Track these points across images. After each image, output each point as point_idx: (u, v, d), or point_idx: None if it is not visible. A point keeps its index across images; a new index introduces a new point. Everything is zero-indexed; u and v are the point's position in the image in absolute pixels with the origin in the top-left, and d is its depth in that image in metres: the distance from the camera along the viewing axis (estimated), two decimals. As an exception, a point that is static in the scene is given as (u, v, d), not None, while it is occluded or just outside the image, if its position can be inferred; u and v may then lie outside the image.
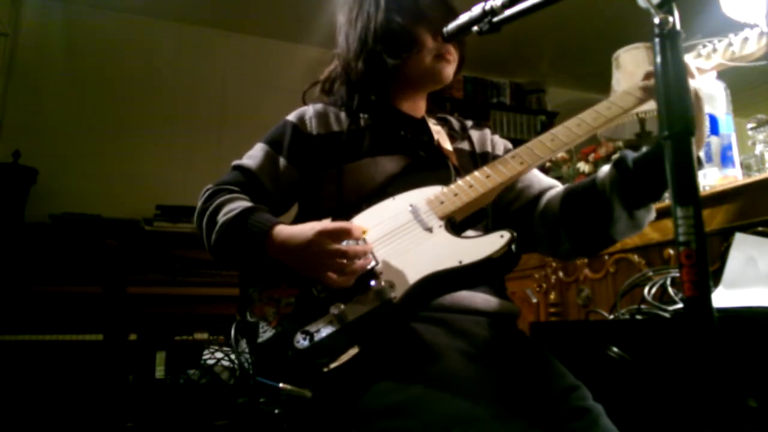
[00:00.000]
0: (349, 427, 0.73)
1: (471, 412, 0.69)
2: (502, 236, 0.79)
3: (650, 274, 1.35)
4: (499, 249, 0.78)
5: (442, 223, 0.87)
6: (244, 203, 0.92)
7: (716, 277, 1.15)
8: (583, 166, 2.16)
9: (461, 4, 0.99)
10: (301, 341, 0.76)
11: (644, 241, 1.56)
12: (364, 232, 0.86)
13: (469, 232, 0.90)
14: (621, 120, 1.78)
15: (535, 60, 4.17)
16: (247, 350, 0.85)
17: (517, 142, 1.04)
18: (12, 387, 2.23)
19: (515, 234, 0.79)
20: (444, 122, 1.16)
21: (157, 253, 2.69)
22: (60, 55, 3.27)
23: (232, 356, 1.66)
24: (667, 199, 0.98)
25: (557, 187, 1.05)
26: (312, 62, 1.20)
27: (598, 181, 0.90)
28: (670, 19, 0.53)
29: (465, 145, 1.12)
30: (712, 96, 1.49)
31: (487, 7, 0.84)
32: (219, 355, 1.78)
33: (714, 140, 1.49)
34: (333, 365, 0.73)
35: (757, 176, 1.40)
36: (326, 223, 0.83)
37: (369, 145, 1.02)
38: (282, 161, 1.02)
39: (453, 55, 1.06)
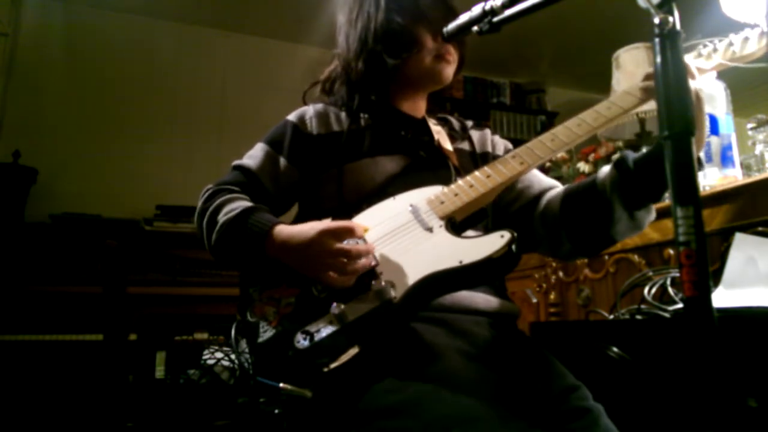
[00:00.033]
0: (349, 427, 0.73)
1: (471, 412, 0.69)
2: (502, 236, 0.79)
3: (650, 274, 1.35)
4: (499, 249, 0.78)
5: (442, 222, 0.87)
6: (244, 203, 0.92)
7: (716, 277, 1.15)
8: (583, 166, 2.16)
9: (461, 4, 1.00)
10: (302, 341, 0.76)
11: (644, 241, 1.56)
12: (365, 230, 0.86)
13: (470, 232, 0.90)
14: (621, 120, 1.78)
15: (535, 60, 4.17)
16: (247, 350, 0.85)
17: (517, 142, 1.04)
18: (12, 387, 2.23)
19: (515, 234, 0.79)
20: (444, 122, 1.16)
21: (157, 253, 2.69)
22: (60, 55, 3.27)
23: (232, 356, 1.66)
24: (667, 199, 0.98)
25: (557, 188, 1.05)
26: (312, 62, 1.20)
27: (598, 181, 0.90)
28: (670, 19, 0.53)
29: (465, 146, 1.12)
30: (712, 96, 1.49)
31: (487, 7, 0.84)
32: (219, 355, 1.78)
33: (714, 140, 1.49)
34: (333, 365, 0.73)
35: (757, 176, 1.40)
36: (328, 223, 0.83)
37: (369, 145, 1.02)
38: (282, 161, 1.02)
39: (453, 55, 1.06)
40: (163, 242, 2.83)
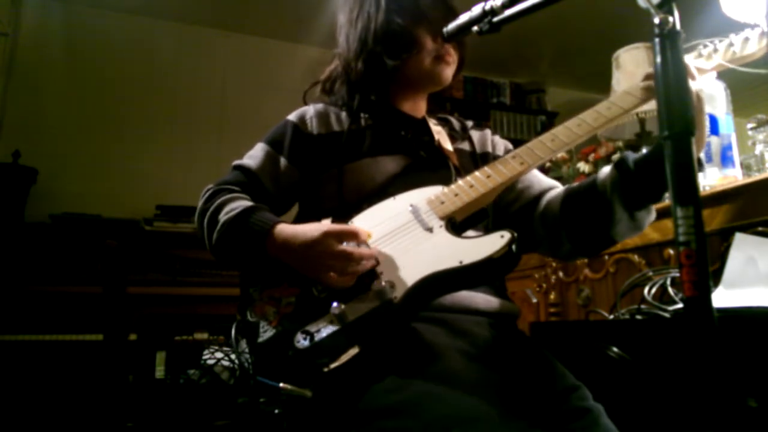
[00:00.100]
0: (349, 427, 0.73)
1: (471, 412, 0.69)
2: (502, 236, 0.79)
3: (650, 274, 1.35)
4: (499, 249, 0.78)
5: (442, 223, 0.87)
6: (245, 202, 0.92)
7: (716, 277, 1.15)
8: (583, 166, 2.16)
9: (461, 4, 0.99)
10: (302, 341, 0.76)
11: (644, 241, 1.56)
12: (368, 236, 0.86)
13: (470, 233, 0.90)
14: (621, 120, 1.78)
15: (535, 60, 4.17)
16: (247, 350, 0.85)
17: (517, 142, 1.04)
18: (12, 387, 2.23)
19: (516, 234, 0.79)
20: (445, 122, 1.16)
21: (157, 253, 2.69)
22: (60, 55, 3.27)
23: (232, 356, 1.66)
24: (667, 199, 0.98)
25: (557, 188, 1.05)
26: (312, 62, 1.20)
27: (598, 182, 0.90)
28: (670, 19, 0.53)
29: (465, 146, 1.12)
30: (712, 96, 1.49)
31: (487, 7, 0.84)
32: (219, 355, 1.77)
33: (714, 140, 1.49)
34: (333, 365, 0.73)
35: (757, 176, 1.40)
36: (332, 225, 0.84)
37: (369, 145, 1.02)
38: (283, 161, 1.02)
39: (453, 56, 1.07)
40: (163, 242, 2.83)
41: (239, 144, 1.18)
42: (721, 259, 1.22)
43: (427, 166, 1.02)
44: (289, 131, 1.04)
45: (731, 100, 1.52)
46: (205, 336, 2.45)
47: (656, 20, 0.53)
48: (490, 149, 1.14)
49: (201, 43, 3.62)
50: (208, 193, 0.98)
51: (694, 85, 0.86)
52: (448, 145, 1.08)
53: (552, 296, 1.95)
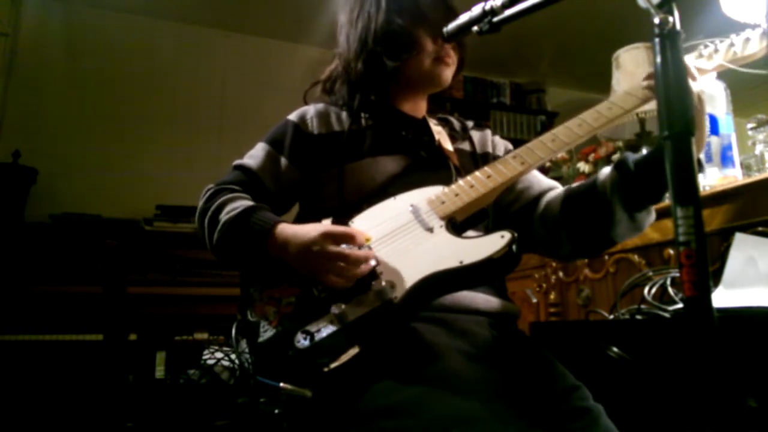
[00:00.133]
0: (349, 427, 0.73)
1: (471, 412, 0.69)
2: (502, 236, 0.79)
3: (650, 274, 1.35)
4: (499, 249, 0.78)
5: (443, 223, 0.87)
6: (246, 202, 0.92)
7: (716, 277, 1.15)
8: (583, 166, 2.16)
9: (461, 4, 0.99)
10: (302, 341, 0.76)
11: (644, 241, 1.56)
12: (367, 240, 0.86)
13: (470, 233, 0.90)
14: (621, 120, 1.78)
15: (535, 60, 4.17)
16: (247, 350, 0.85)
17: (517, 142, 1.04)
18: (12, 387, 2.23)
19: (516, 234, 0.79)
20: (445, 123, 1.16)
21: (157, 253, 2.69)
22: (60, 55, 3.27)
23: (232, 356, 1.67)
24: (667, 199, 0.98)
25: (557, 189, 1.05)
26: (312, 62, 1.20)
27: (598, 183, 0.90)
28: (670, 19, 0.53)
29: (466, 146, 1.12)
30: (712, 96, 1.49)
31: (487, 7, 0.84)
32: (219, 355, 1.77)
33: (714, 140, 1.49)
34: (333, 365, 0.73)
35: (757, 176, 1.40)
36: (331, 226, 0.84)
37: (370, 145, 1.02)
38: (283, 161, 1.02)
39: (452, 58, 1.07)
40: (163, 242, 2.83)
41: (239, 144, 1.18)
42: (721, 259, 1.22)
43: (428, 166, 1.02)
44: (289, 131, 1.04)
45: (731, 100, 1.52)
46: (205, 336, 2.45)
47: (656, 20, 0.53)
48: (490, 149, 1.14)
49: (201, 43, 3.62)
50: (208, 193, 0.98)
51: (695, 85, 0.86)
52: (448, 146, 1.08)
53: (552, 296, 1.95)
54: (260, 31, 3.71)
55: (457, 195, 0.90)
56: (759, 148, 1.59)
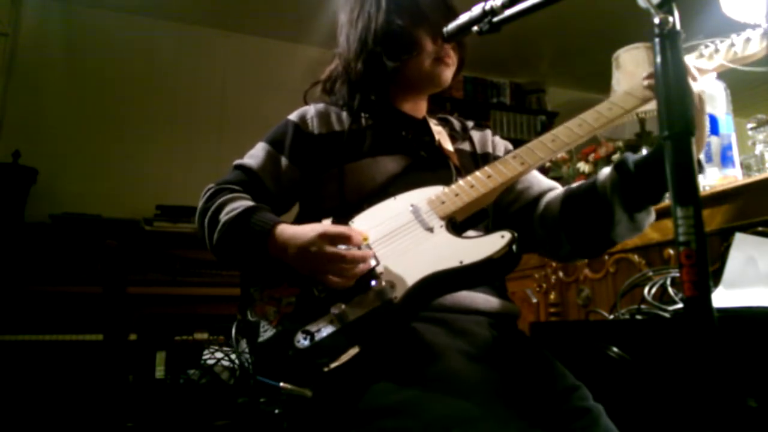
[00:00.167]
0: (349, 427, 0.73)
1: (471, 412, 0.69)
2: (503, 236, 0.79)
3: (650, 274, 1.35)
4: (499, 249, 0.78)
5: (443, 223, 0.87)
6: (246, 202, 0.92)
7: (716, 277, 1.15)
8: (583, 166, 2.16)
9: (461, 4, 0.99)
10: (302, 341, 0.76)
11: (644, 241, 1.56)
12: (365, 239, 0.86)
13: (470, 233, 0.90)
14: (621, 120, 1.78)
15: (535, 60, 4.17)
16: (247, 350, 0.85)
17: (517, 142, 1.04)
18: (12, 387, 2.23)
19: (516, 234, 0.79)
20: (445, 123, 1.16)
21: (157, 253, 2.69)
22: (60, 55, 3.27)
23: (232, 356, 1.67)
24: (667, 199, 0.98)
25: (557, 189, 1.05)
26: (312, 62, 1.20)
27: (598, 183, 0.90)
28: (670, 19, 0.53)
29: (466, 146, 1.12)
30: (712, 96, 1.49)
31: (487, 7, 0.84)
32: (219, 355, 1.78)
33: (714, 140, 1.49)
34: (333, 365, 0.73)
35: (757, 176, 1.41)
36: (329, 226, 0.84)
37: (370, 144, 1.02)
38: (284, 161, 1.02)
39: (452, 58, 1.06)
40: (163, 242, 2.82)
41: (239, 144, 1.18)
42: (721, 259, 1.22)
43: (428, 166, 1.02)
44: (290, 131, 1.04)
45: (731, 100, 1.52)
46: (205, 336, 2.45)
47: (656, 20, 0.53)
48: (490, 150, 1.14)
49: (201, 43, 3.62)
50: (208, 193, 0.98)
51: (695, 86, 0.86)
52: (448, 146, 1.07)
53: (552, 296, 1.95)
54: (260, 31, 3.71)
55: (457, 195, 0.90)
56: (759, 148, 1.59)
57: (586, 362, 1.02)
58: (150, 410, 1.78)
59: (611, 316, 1.31)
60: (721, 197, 1.36)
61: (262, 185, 1.00)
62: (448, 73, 1.07)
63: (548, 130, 0.94)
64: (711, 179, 1.47)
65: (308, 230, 0.83)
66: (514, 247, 0.78)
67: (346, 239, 0.82)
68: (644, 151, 1.83)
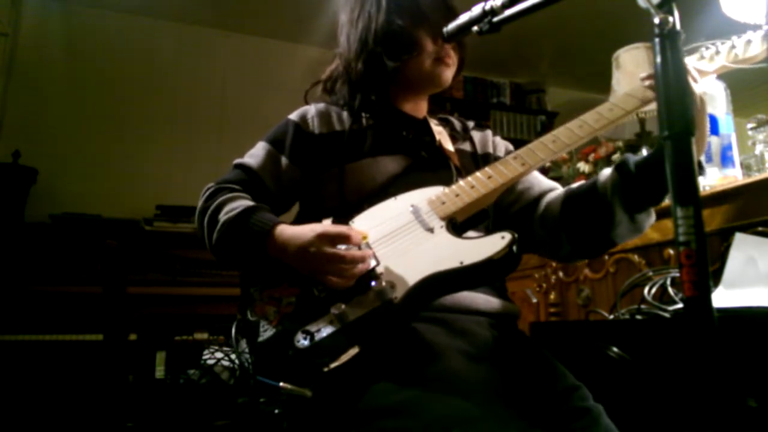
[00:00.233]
0: (349, 427, 0.73)
1: (471, 412, 0.69)
2: (503, 237, 0.79)
3: (650, 274, 1.35)
4: (500, 250, 0.78)
5: (443, 223, 0.87)
6: (245, 202, 0.92)
7: (716, 277, 1.15)
8: (583, 167, 2.16)
9: (461, 4, 0.99)
10: (302, 341, 0.76)
11: (644, 241, 1.56)
12: (364, 238, 0.86)
13: (471, 233, 0.90)
14: (622, 121, 1.78)
15: (535, 60, 4.17)
16: (247, 350, 0.85)
17: (517, 143, 1.04)
18: (12, 387, 2.23)
19: (516, 235, 0.79)
20: (446, 123, 1.16)
21: (157, 253, 2.69)
22: (60, 55, 3.27)
23: (232, 356, 1.66)
24: (667, 199, 0.98)
25: (557, 190, 1.05)
26: (312, 62, 1.20)
27: (599, 184, 0.90)
28: (670, 19, 0.53)
29: (467, 146, 1.12)
30: (712, 96, 1.49)
31: (487, 7, 0.84)
32: (219, 355, 1.77)
33: (714, 140, 1.49)
34: (333, 365, 0.73)
35: (757, 176, 1.41)
36: (327, 226, 0.83)
37: (371, 145, 1.02)
38: (284, 160, 1.02)
39: (452, 58, 1.06)
40: (163, 242, 2.83)
41: (239, 144, 1.18)
42: (721, 259, 1.22)
43: (428, 167, 1.02)
44: (290, 130, 1.04)
45: (731, 100, 1.52)
46: (205, 336, 2.45)
47: (656, 20, 0.53)
48: (491, 150, 1.14)
49: (201, 43, 3.62)
50: (208, 192, 0.98)
51: (696, 87, 0.86)
52: (449, 146, 1.07)
53: (552, 296, 1.95)
54: (260, 31, 3.71)
55: (457, 195, 0.90)
56: (759, 148, 1.59)
57: (586, 362, 1.02)
58: (150, 410, 1.78)
59: (611, 316, 1.31)
60: (721, 197, 1.36)
61: (262, 185, 1.00)
62: (448, 73, 1.07)
63: (548, 130, 0.94)
64: (711, 179, 1.47)
65: (307, 230, 0.83)
66: (514, 247, 0.78)
67: (345, 239, 0.81)
68: (644, 151, 1.83)
